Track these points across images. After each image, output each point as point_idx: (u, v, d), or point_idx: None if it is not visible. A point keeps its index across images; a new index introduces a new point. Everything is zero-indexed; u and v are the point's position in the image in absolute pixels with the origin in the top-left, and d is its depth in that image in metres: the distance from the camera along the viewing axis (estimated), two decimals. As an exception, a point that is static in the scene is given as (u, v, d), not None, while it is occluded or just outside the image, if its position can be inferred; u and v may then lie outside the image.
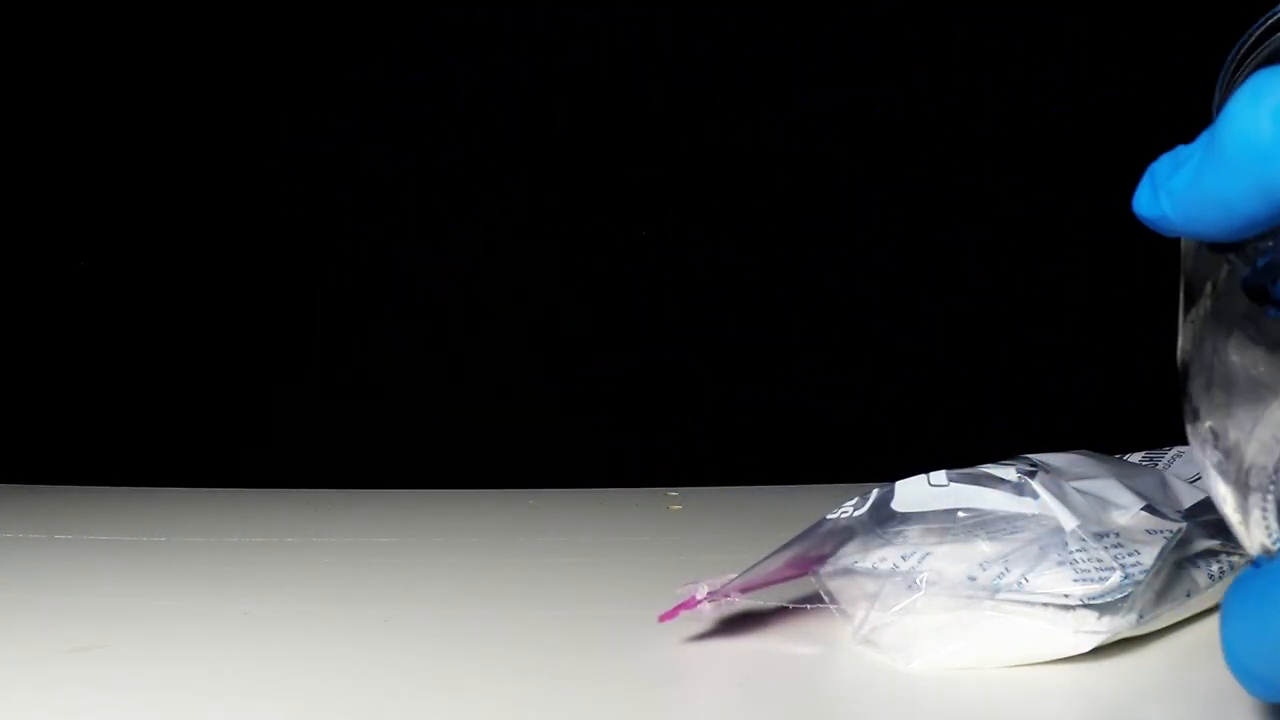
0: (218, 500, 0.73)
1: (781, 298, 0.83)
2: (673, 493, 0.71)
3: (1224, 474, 0.23)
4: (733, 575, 0.34)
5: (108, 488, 0.78)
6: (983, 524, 0.33)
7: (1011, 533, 0.32)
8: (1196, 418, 0.24)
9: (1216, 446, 0.23)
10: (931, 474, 0.35)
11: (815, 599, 0.35)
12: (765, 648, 0.35)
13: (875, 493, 0.35)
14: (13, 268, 0.85)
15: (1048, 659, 0.31)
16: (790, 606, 0.35)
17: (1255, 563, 0.23)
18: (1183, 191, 0.21)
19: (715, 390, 0.83)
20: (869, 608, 0.32)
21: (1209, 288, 0.23)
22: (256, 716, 0.29)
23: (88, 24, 0.83)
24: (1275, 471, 0.22)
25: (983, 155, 0.79)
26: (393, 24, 0.83)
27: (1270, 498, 0.22)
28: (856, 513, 0.35)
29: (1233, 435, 0.23)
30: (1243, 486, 0.22)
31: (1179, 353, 0.25)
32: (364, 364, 0.84)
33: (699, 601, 0.34)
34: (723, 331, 0.83)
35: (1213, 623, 0.34)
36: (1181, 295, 0.25)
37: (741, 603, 0.34)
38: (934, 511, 0.33)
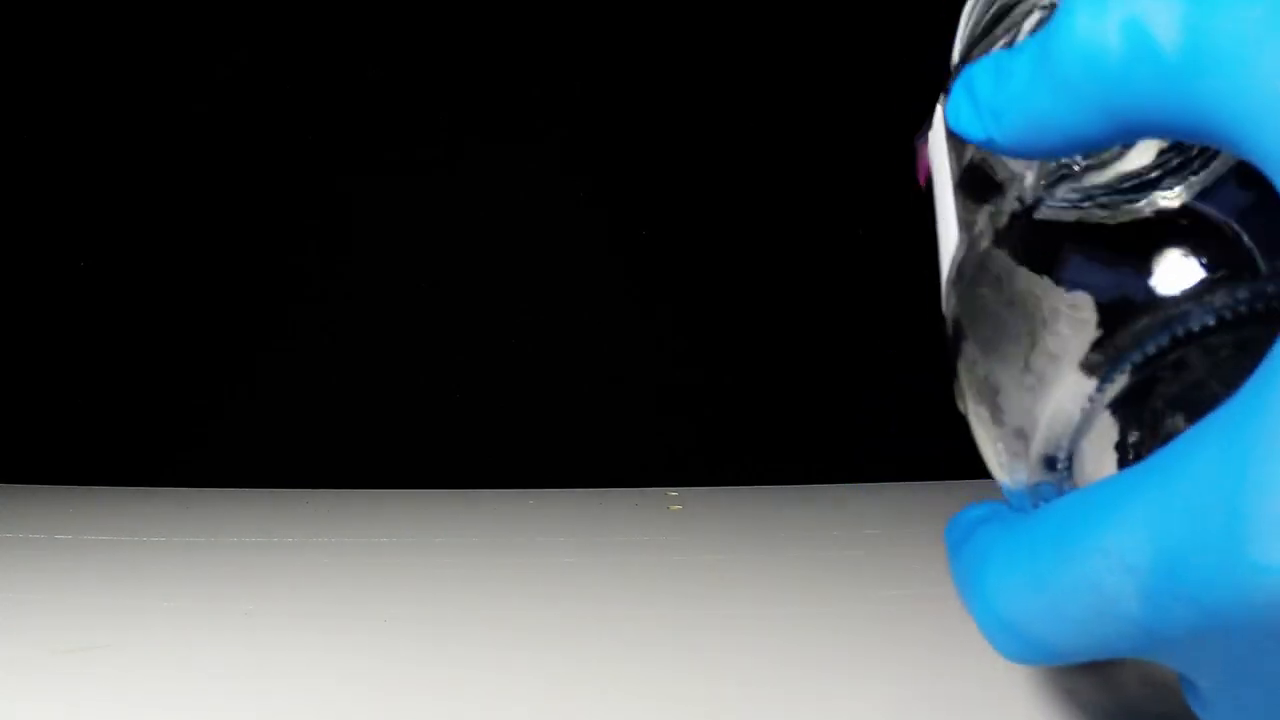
0: (218, 500, 0.73)
1: (782, 298, 0.83)
2: (673, 493, 0.71)
3: (992, 418, 0.21)
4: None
5: (108, 488, 0.78)
6: None
7: None
8: (960, 337, 0.22)
9: (984, 386, 0.21)
10: None
11: None
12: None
13: None
14: (13, 268, 0.85)
15: None
16: None
17: (1009, 504, 0.21)
18: (1009, 112, 0.18)
19: (716, 390, 0.83)
20: None
21: (1012, 199, 0.21)
22: (256, 716, 0.29)
23: (86, 25, 0.83)
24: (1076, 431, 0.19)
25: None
26: (395, 21, 0.83)
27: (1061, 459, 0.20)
28: None
29: (1000, 376, 0.21)
30: (1015, 434, 0.21)
31: (951, 265, 0.22)
32: (364, 364, 0.84)
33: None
34: (723, 331, 0.83)
35: None
36: (953, 200, 0.22)
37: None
38: None
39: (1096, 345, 0.19)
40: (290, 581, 0.47)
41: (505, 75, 0.82)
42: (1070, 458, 0.20)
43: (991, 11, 0.24)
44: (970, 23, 0.25)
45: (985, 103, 0.18)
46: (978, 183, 0.22)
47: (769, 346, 0.83)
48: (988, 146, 0.19)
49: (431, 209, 0.83)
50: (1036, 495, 0.21)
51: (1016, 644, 0.18)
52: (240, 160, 0.84)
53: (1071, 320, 0.19)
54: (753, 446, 0.83)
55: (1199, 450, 0.16)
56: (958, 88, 0.19)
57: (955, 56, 0.25)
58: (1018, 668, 0.31)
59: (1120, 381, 0.19)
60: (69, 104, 0.84)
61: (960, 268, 0.22)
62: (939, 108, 0.24)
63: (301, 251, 0.84)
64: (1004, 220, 0.21)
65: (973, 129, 0.19)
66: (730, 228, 0.83)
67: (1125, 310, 0.18)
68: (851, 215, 0.82)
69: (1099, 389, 0.19)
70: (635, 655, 0.35)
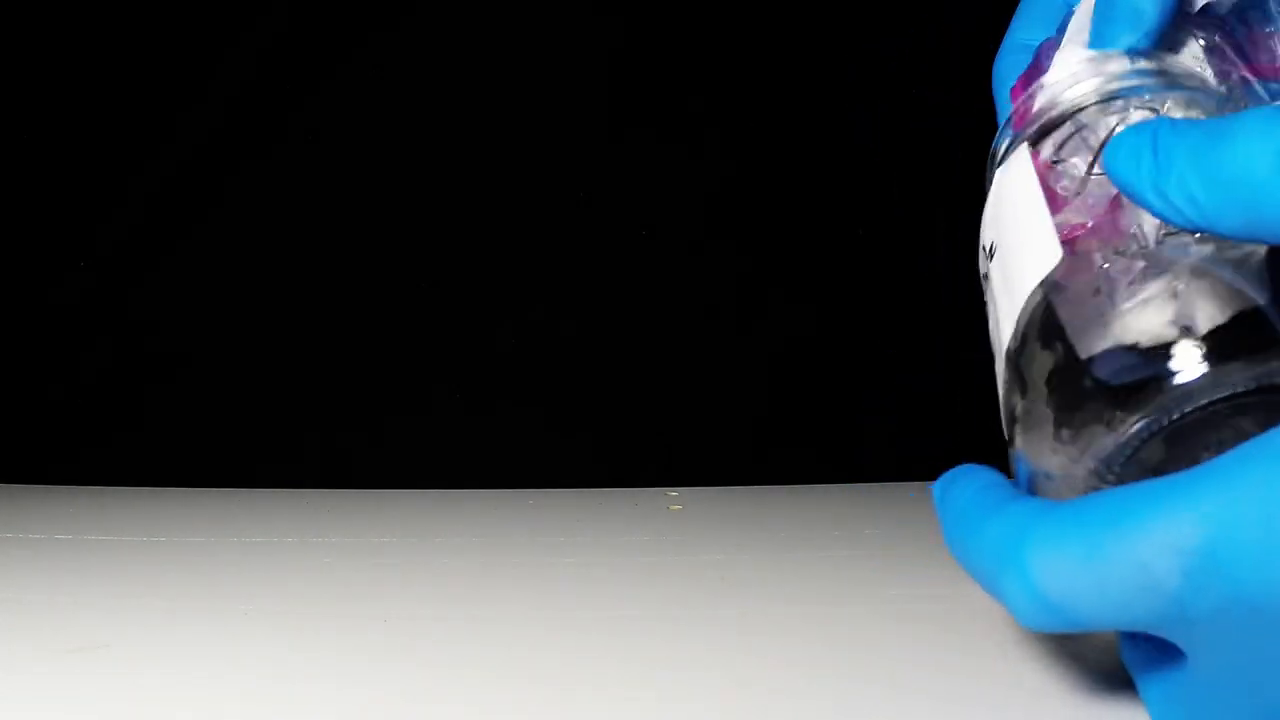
0: (217, 500, 0.73)
1: (783, 298, 0.83)
2: (673, 493, 0.71)
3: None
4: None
5: (108, 488, 0.78)
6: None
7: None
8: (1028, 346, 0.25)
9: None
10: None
11: None
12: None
13: None
14: (13, 267, 0.85)
15: None
16: None
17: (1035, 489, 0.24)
18: (1169, 197, 0.22)
19: (717, 390, 0.83)
20: None
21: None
22: (256, 716, 0.29)
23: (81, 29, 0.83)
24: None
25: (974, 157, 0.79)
26: (398, 25, 0.83)
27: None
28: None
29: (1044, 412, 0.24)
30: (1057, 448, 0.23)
31: (1047, 276, 0.25)
32: (364, 365, 0.84)
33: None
34: (724, 331, 0.83)
35: None
36: (1050, 220, 0.25)
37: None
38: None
39: (1136, 409, 0.22)
40: (290, 581, 0.47)
41: (502, 76, 0.82)
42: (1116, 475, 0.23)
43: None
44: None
45: (1149, 178, 0.22)
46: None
47: (769, 346, 0.83)
48: (1145, 208, 0.22)
49: (432, 209, 0.83)
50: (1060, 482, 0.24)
51: (1046, 613, 0.21)
52: (244, 160, 0.84)
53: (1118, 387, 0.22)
54: (753, 446, 0.83)
55: (1253, 463, 0.19)
56: (1124, 149, 0.23)
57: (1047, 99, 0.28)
58: (1017, 668, 0.31)
59: (1160, 436, 0.22)
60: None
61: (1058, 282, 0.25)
62: (1025, 151, 0.27)
63: (301, 250, 0.84)
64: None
65: (1133, 190, 0.22)
66: (730, 227, 0.83)
67: (1167, 386, 0.22)
68: (851, 215, 0.82)
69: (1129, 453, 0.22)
70: (635, 655, 0.35)
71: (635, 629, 0.38)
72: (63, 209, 0.85)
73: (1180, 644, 0.21)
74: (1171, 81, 0.26)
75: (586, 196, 0.83)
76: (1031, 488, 0.25)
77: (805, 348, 0.82)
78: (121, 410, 0.85)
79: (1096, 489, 0.23)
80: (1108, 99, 0.26)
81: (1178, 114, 0.25)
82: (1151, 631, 0.21)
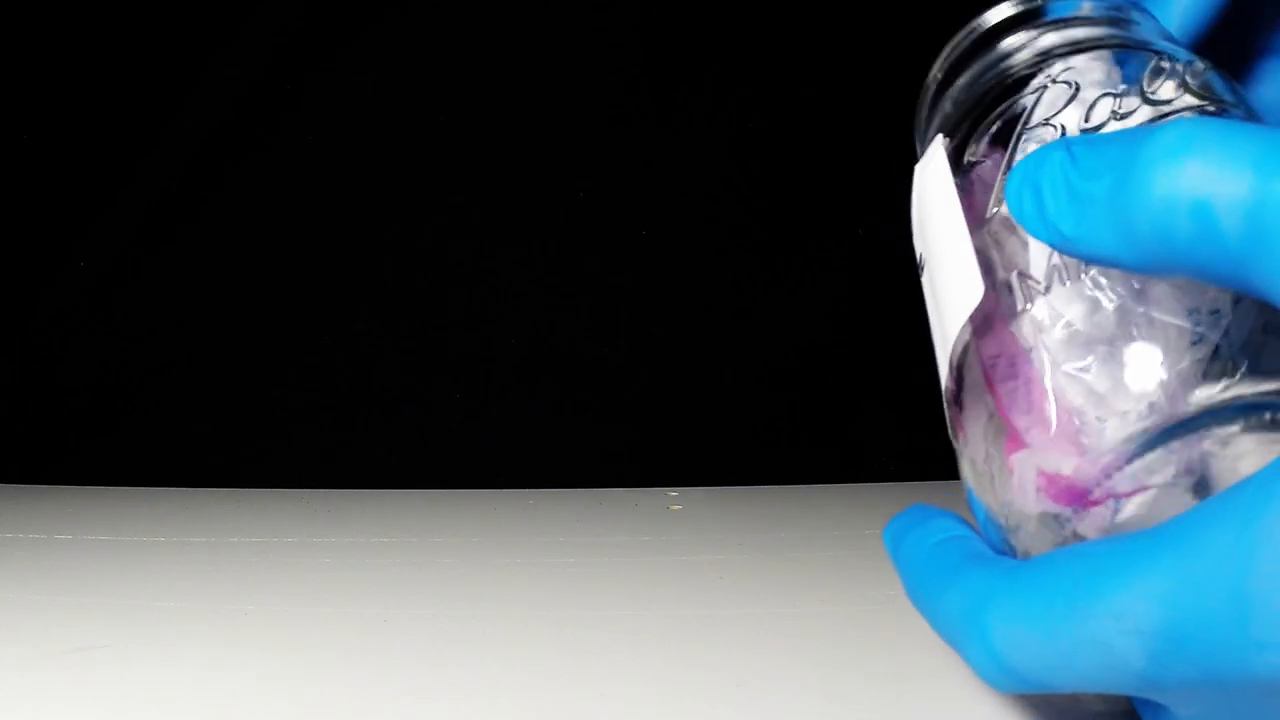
0: (218, 500, 0.73)
1: (783, 298, 0.83)
2: (673, 493, 0.71)
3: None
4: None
5: (108, 488, 0.78)
6: None
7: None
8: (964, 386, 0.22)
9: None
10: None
11: None
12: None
13: None
14: (13, 267, 0.85)
15: None
16: None
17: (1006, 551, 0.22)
18: (1076, 237, 0.19)
19: (717, 390, 0.83)
20: None
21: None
22: (256, 716, 0.29)
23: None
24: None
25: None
26: (396, 22, 0.83)
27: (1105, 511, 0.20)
28: None
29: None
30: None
31: (972, 314, 0.21)
32: (364, 364, 0.84)
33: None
34: (724, 331, 0.83)
35: None
36: (970, 249, 0.21)
37: None
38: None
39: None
40: (290, 581, 0.47)
41: (501, 74, 0.82)
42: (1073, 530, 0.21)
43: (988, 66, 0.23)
44: (953, 55, 0.25)
45: (1053, 218, 0.19)
46: (1004, 244, 0.22)
47: (769, 346, 0.83)
48: (1044, 241, 0.20)
49: (432, 208, 0.83)
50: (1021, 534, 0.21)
51: (1012, 681, 0.20)
52: (242, 159, 0.84)
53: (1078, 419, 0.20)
54: (753, 446, 0.83)
55: (1212, 532, 0.18)
56: (1024, 185, 0.20)
57: (938, 76, 0.25)
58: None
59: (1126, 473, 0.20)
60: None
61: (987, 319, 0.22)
62: (939, 145, 0.23)
63: (300, 250, 0.84)
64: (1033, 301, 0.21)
65: (1036, 231, 0.20)
66: (730, 227, 0.83)
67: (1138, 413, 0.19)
68: (851, 215, 0.82)
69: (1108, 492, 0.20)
70: (635, 655, 0.35)
71: (635, 629, 0.38)
72: (62, 209, 0.85)
73: (1164, 703, 0.20)
74: (1115, 39, 0.22)
75: (586, 195, 0.83)
76: (989, 528, 0.22)
77: (805, 348, 0.82)
78: (122, 410, 0.85)
79: (1054, 530, 0.21)
80: (1030, 69, 0.22)
81: (1094, 97, 0.21)
82: (1125, 694, 0.20)
